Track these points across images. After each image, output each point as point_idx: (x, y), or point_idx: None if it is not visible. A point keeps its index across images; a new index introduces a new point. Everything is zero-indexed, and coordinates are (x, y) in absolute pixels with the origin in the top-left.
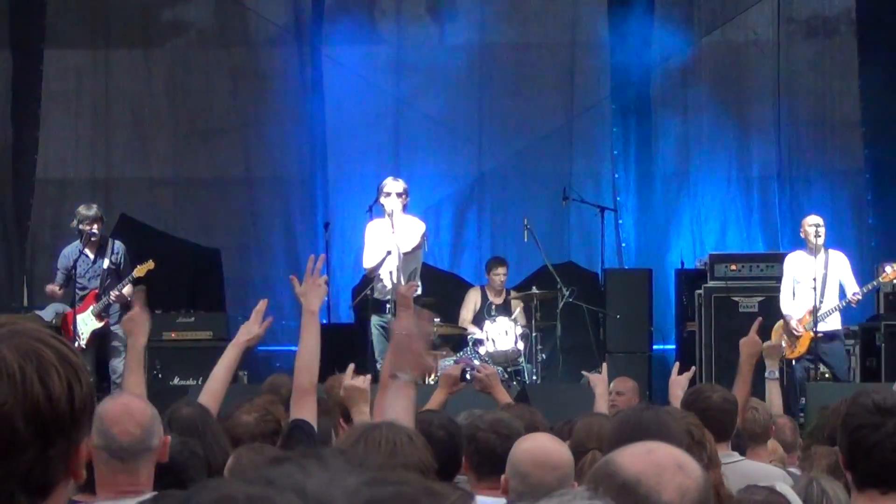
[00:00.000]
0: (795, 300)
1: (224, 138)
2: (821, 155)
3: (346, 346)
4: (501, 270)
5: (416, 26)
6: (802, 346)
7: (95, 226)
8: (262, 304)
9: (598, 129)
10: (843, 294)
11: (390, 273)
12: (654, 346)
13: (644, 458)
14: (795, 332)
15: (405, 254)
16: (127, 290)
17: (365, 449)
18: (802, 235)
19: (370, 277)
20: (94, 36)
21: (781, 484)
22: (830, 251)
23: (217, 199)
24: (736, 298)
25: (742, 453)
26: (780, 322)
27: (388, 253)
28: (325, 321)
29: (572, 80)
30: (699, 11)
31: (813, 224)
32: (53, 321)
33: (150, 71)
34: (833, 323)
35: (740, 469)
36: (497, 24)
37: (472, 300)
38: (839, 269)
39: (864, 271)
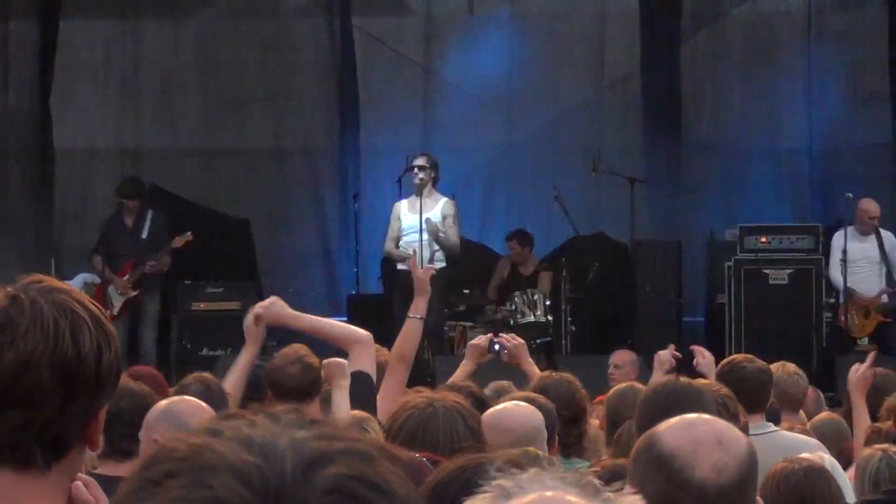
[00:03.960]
0: (851, 280)
1: (253, 109)
2: (851, 127)
3: (373, 316)
4: (510, 244)
5: None
6: (870, 327)
7: (134, 201)
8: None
9: (628, 101)
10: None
11: (419, 245)
12: (684, 318)
13: (684, 433)
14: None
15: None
16: (164, 260)
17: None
18: (858, 217)
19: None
20: (122, 5)
21: (823, 454)
22: (882, 231)
23: (246, 169)
24: (766, 271)
25: (776, 424)
26: (848, 301)
27: (413, 252)
28: (353, 292)
29: (602, 52)
30: None
31: (871, 212)
32: (83, 291)
33: (179, 41)
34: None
35: (775, 440)
36: None
37: (501, 271)
38: (893, 249)
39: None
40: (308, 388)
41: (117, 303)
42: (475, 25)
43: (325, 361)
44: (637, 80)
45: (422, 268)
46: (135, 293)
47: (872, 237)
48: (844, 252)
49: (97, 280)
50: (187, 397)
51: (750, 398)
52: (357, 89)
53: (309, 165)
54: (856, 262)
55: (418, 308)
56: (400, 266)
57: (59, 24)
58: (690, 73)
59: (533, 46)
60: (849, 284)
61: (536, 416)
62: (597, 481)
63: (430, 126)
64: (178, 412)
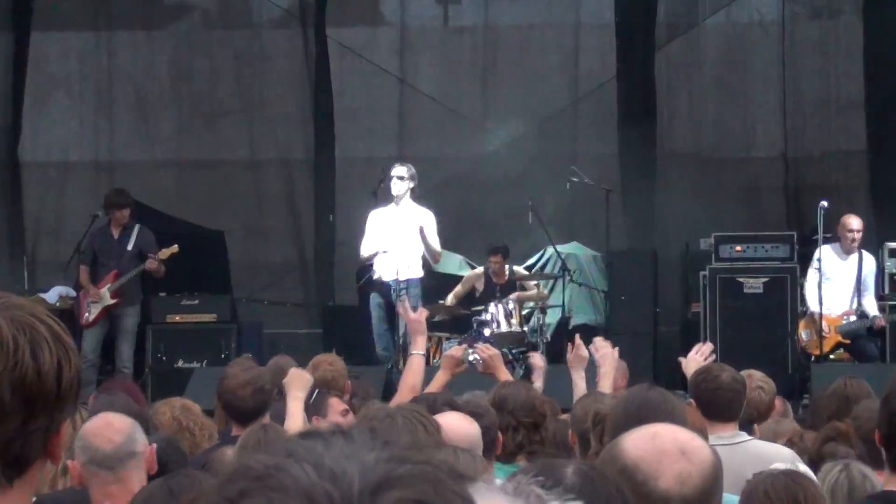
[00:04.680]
0: (823, 295)
1: (228, 121)
2: (825, 135)
3: (349, 327)
4: (493, 259)
5: (420, 8)
6: (827, 346)
7: (121, 212)
8: None
9: (603, 111)
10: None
11: (393, 254)
12: (659, 328)
13: (647, 444)
14: (825, 334)
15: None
16: (153, 264)
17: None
18: (839, 233)
19: (363, 263)
20: (96, 18)
21: (799, 464)
22: (864, 252)
23: (221, 181)
24: (741, 279)
25: (749, 433)
26: (808, 317)
27: (385, 252)
28: (329, 303)
29: (577, 62)
30: None
31: (851, 227)
32: (58, 304)
33: (154, 53)
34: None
35: (748, 449)
36: (501, 6)
37: (471, 282)
38: (869, 273)
39: (869, 252)
40: (258, 410)
41: (95, 309)
42: (450, 36)
43: (291, 371)
44: (612, 89)
45: (414, 311)
46: (113, 301)
47: (854, 257)
48: (819, 268)
49: (72, 293)
50: (103, 414)
51: (723, 407)
52: (332, 100)
53: (284, 177)
54: (833, 279)
55: (418, 345)
56: (378, 277)
57: (30, 36)
58: (665, 83)
59: (507, 57)
60: (819, 300)
61: (475, 429)
62: (540, 490)
63: (404, 137)
64: (84, 432)
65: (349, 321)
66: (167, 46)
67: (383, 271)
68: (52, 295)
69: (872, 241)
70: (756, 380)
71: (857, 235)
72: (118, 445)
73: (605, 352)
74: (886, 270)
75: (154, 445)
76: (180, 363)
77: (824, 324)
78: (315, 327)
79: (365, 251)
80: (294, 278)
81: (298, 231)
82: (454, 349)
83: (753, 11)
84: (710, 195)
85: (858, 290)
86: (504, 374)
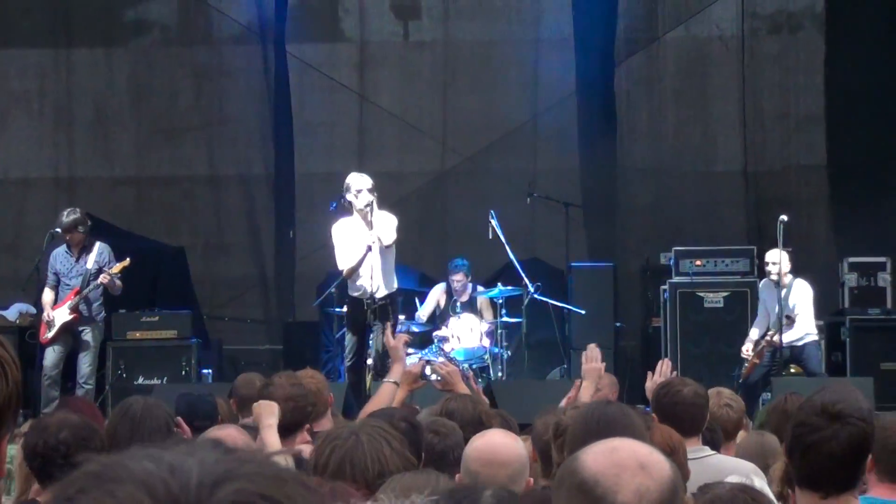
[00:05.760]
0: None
1: (188, 137)
2: (785, 149)
3: (309, 343)
4: (455, 278)
5: (379, 23)
6: (747, 371)
7: (71, 234)
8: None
9: (563, 126)
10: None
11: (370, 269)
12: (620, 343)
13: (605, 458)
14: (746, 356)
15: (386, 247)
16: (106, 279)
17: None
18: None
19: (347, 277)
20: (56, 35)
21: (755, 478)
22: (796, 281)
23: (181, 197)
24: (701, 294)
25: (715, 448)
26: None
27: (369, 248)
28: (290, 319)
29: (536, 77)
30: (663, 7)
31: (766, 261)
32: (17, 321)
33: (113, 70)
34: (794, 336)
35: (710, 463)
36: (461, 21)
37: (435, 297)
38: (797, 301)
39: (828, 266)
40: (290, 427)
41: (55, 327)
42: (410, 51)
43: (255, 404)
44: (572, 104)
45: (393, 336)
46: (71, 317)
47: (785, 290)
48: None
49: (32, 310)
50: (227, 429)
51: (685, 422)
52: (291, 116)
53: (244, 193)
54: (771, 312)
55: (394, 373)
56: (356, 294)
57: None
58: (625, 98)
59: (467, 72)
60: (756, 331)
61: (522, 446)
62: None
63: (365, 152)
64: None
65: (309, 337)
66: (126, 63)
67: (359, 289)
68: (12, 312)
69: (832, 256)
70: (724, 397)
71: (773, 268)
72: None
73: (593, 366)
74: (847, 285)
75: None
76: (140, 380)
77: (745, 351)
78: (275, 343)
79: (345, 263)
80: (254, 294)
81: (259, 247)
82: (412, 365)
83: (713, 26)
84: (670, 209)
85: (780, 319)
86: (463, 391)
